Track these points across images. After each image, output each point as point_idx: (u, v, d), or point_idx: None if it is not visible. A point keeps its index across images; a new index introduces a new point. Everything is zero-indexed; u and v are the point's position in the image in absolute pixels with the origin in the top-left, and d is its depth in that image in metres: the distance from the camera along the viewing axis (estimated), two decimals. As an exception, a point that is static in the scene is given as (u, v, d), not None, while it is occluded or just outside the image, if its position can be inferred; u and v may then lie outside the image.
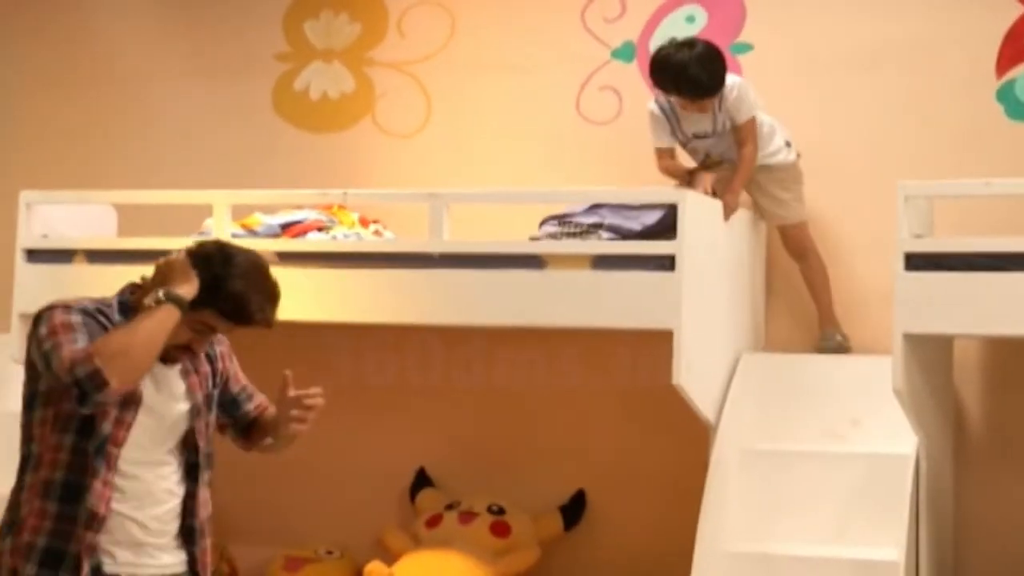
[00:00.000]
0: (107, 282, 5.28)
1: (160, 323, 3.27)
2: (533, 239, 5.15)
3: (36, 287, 5.41)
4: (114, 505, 3.31)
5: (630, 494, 5.64)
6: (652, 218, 5.01)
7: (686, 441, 5.21)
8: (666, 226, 4.89)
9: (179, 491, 3.46)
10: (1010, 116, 5.40)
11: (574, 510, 5.72)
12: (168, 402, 3.43)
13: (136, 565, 3.37)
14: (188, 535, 3.46)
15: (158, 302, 3.29)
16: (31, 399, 3.36)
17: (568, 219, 5.14)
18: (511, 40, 6.05)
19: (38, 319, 3.33)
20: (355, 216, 5.58)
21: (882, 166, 5.39)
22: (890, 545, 4.63)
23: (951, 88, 5.46)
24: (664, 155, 5.39)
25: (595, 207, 5.13)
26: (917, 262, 4.58)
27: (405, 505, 5.86)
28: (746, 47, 5.69)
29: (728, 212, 5.15)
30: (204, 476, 3.52)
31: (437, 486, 5.82)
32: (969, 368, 5.36)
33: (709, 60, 5.14)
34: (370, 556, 5.35)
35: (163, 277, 3.36)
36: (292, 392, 3.50)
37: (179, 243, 5.24)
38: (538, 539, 5.60)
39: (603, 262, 4.87)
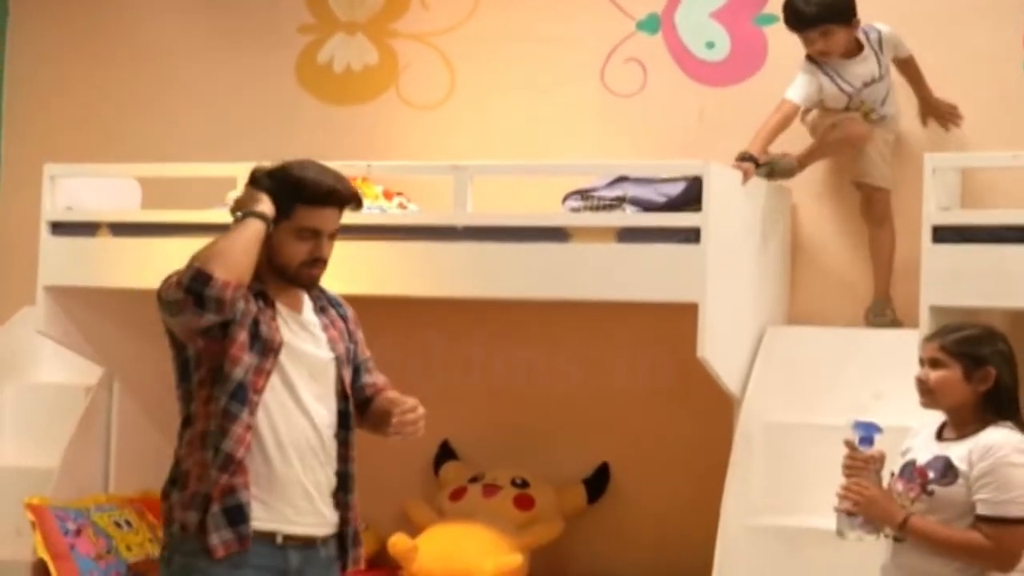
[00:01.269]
0: (131, 255, 5.35)
1: (243, 230, 3.40)
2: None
3: (61, 260, 5.44)
4: (259, 454, 3.38)
5: (654, 467, 5.64)
6: (676, 190, 4.99)
7: (710, 414, 5.20)
8: (690, 198, 4.88)
9: (333, 441, 3.52)
10: (1039, 87, 5.38)
11: (598, 483, 5.72)
12: (314, 349, 3.51)
13: (293, 523, 3.43)
14: (343, 483, 3.53)
15: (237, 221, 3.42)
16: (184, 368, 3.47)
17: (591, 194, 5.12)
18: (535, 11, 6.04)
19: (163, 283, 3.41)
20: (379, 189, 5.58)
21: (909, 138, 5.36)
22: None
23: (978, 60, 5.44)
24: (785, 108, 5.21)
25: (619, 180, 5.12)
26: (944, 235, 4.58)
27: (429, 478, 5.87)
28: (772, 18, 5.67)
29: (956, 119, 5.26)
30: (353, 424, 3.59)
31: (461, 459, 5.82)
32: (996, 341, 5.33)
33: None
34: (394, 528, 5.36)
35: (235, 211, 3.48)
36: (390, 394, 3.63)
37: (203, 216, 5.33)
38: (562, 512, 5.61)
39: (628, 234, 4.86)
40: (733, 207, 4.98)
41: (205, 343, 3.38)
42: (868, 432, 3.78)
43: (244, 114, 6.35)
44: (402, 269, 4.99)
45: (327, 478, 3.50)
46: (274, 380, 3.40)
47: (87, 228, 5.44)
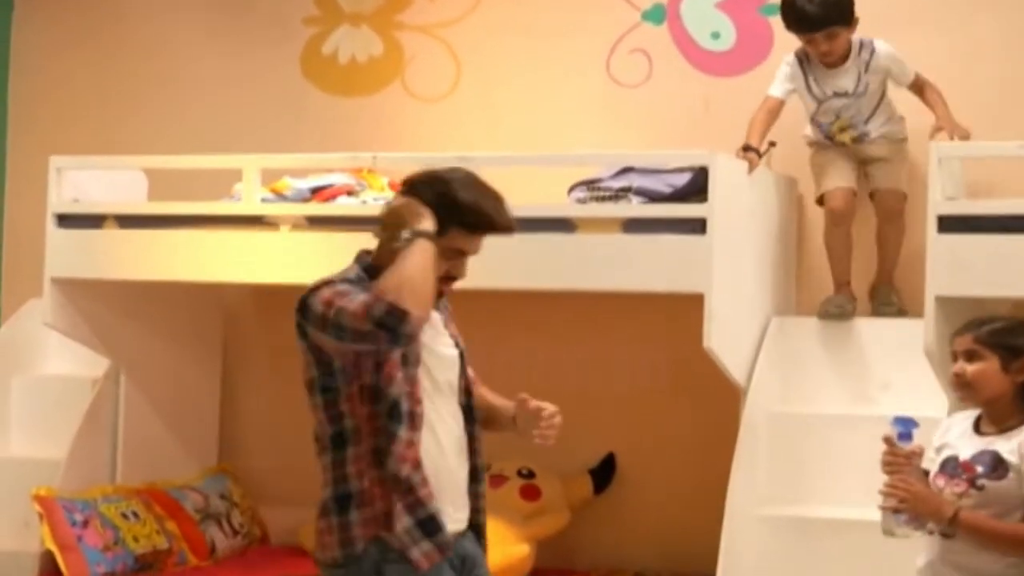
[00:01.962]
0: (138, 247, 5.37)
1: (422, 255, 3.29)
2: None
3: (67, 252, 5.45)
4: (428, 461, 3.34)
5: (660, 458, 5.65)
6: (682, 180, 4.99)
7: (716, 405, 5.20)
8: (696, 188, 4.88)
9: (464, 435, 3.51)
10: (1046, 75, 5.38)
11: (604, 473, 5.73)
12: (444, 348, 3.49)
13: (456, 520, 3.44)
14: (474, 475, 3.53)
15: (407, 241, 3.30)
16: (327, 381, 3.34)
17: (597, 184, 5.12)
18: (540, 2, 6.04)
19: (306, 306, 3.32)
20: (385, 180, 5.59)
21: (914, 127, 5.35)
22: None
23: (986, 50, 5.44)
24: (768, 103, 5.26)
25: (624, 171, 5.12)
26: (950, 224, 4.56)
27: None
28: (777, 8, 5.64)
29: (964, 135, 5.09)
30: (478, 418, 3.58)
31: (467, 449, 5.82)
32: (1001, 331, 5.33)
33: None
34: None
35: (397, 224, 3.35)
36: (532, 404, 3.60)
37: (209, 208, 5.33)
38: (568, 502, 5.62)
39: (634, 225, 4.87)
40: (739, 198, 4.98)
41: (357, 359, 3.30)
42: (907, 427, 3.71)
43: (249, 106, 6.35)
44: (408, 260, 4.99)
45: (466, 472, 3.50)
46: (424, 384, 3.38)
47: (93, 220, 5.45)
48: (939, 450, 3.75)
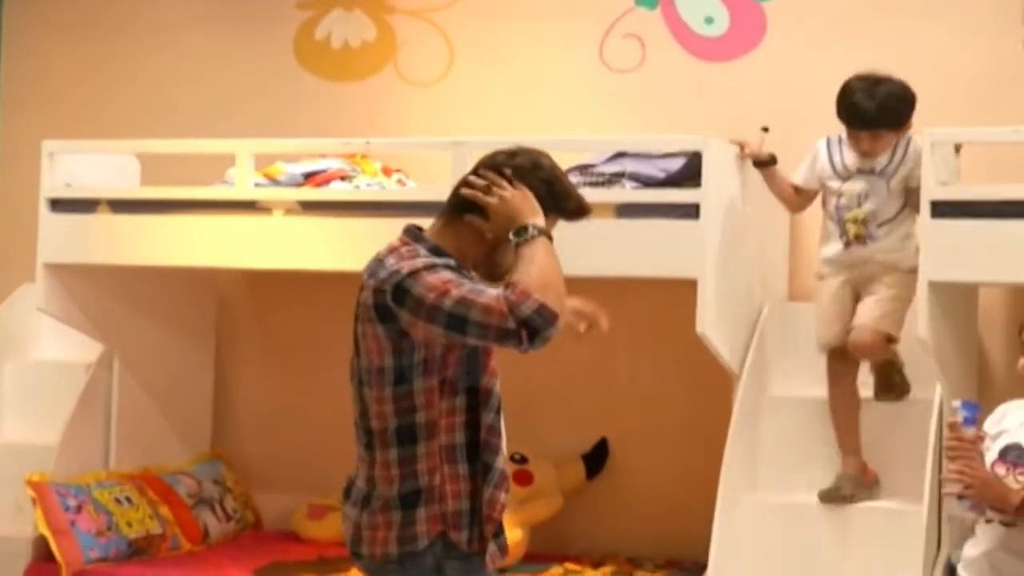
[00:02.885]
0: (131, 231, 5.36)
1: (553, 256, 3.15)
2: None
3: (60, 237, 5.44)
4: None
5: (653, 443, 5.65)
6: (675, 165, 4.99)
7: (709, 390, 5.21)
8: (689, 174, 4.87)
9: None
10: (1037, 64, 5.38)
11: (597, 459, 5.73)
12: None
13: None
14: None
15: (532, 238, 3.13)
16: (404, 371, 3.13)
17: (590, 169, 5.12)
18: (534, -14, 6.03)
19: (403, 289, 3.07)
20: (378, 165, 5.58)
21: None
22: (913, 493, 4.67)
23: (978, 37, 5.44)
24: (787, 190, 4.98)
25: (618, 155, 5.11)
26: (943, 210, 4.56)
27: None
28: (771, -6, 5.69)
29: None
30: None
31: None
32: (993, 316, 5.35)
33: (886, 95, 4.73)
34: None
35: (513, 213, 3.17)
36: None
37: (203, 193, 5.32)
38: (561, 488, 5.62)
39: (627, 210, 4.86)
40: (733, 183, 4.97)
41: (445, 352, 3.13)
42: (972, 412, 3.69)
43: (242, 91, 6.35)
44: (401, 246, 4.98)
45: None
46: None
47: (86, 205, 5.45)
48: (996, 438, 3.73)
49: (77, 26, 6.65)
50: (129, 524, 5.45)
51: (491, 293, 3.04)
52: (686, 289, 4.72)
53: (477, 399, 3.20)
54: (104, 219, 5.41)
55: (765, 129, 5.32)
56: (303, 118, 6.17)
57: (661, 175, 4.99)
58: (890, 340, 4.78)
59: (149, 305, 5.91)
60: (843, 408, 4.87)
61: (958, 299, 4.92)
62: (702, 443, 5.14)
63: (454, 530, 3.16)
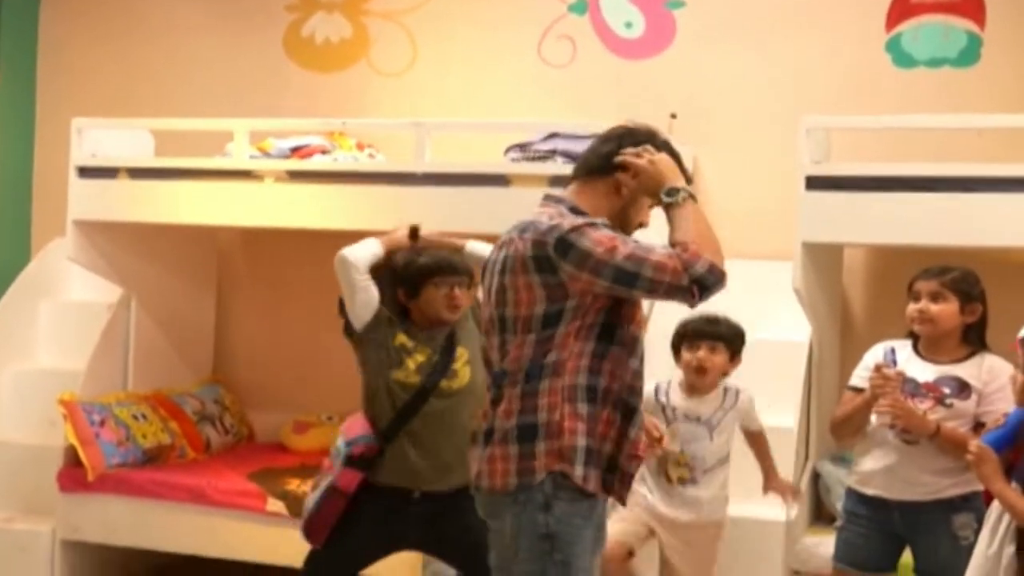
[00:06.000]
0: (146, 195, 5.37)
1: (703, 216, 2.93)
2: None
3: (86, 198, 5.42)
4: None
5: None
6: (599, 145, 5.01)
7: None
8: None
9: None
10: (896, 64, 5.40)
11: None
12: None
13: None
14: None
15: (684, 200, 2.93)
16: (552, 316, 2.88)
17: (528, 147, 5.14)
18: (485, -4, 6.05)
19: (568, 243, 2.84)
20: (352, 142, 5.59)
21: (790, 104, 5.41)
22: (788, 414, 4.73)
23: (848, 40, 5.47)
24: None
25: (552, 136, 5.14)
26: (816, 183, 4.57)
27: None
28: (679, 3, 5.70)
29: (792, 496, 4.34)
30: None
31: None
32: (856, 271, 5.41)
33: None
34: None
35: (661, 177, 2.98)
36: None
37: (206, 163, 5.33)
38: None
39: (558, 181, 4.82)
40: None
41: (595, 299, 2.88)
42: (892, 356, 3.77)
43: (240, 78, 6.33)
44: (371, 208, 4.99)
45: None
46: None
47: (109, 172, 5.40)
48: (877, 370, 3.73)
49: (103, 23, 6.60)
50: (144, 436, 5.47)
51: (661, 251, 2.83)
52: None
53: (609, 346, 2.92)
54: (124, 184, 5.38)
55: (673, 116, 5.38)
56: (290, 102, 6.16)
57: (587, 153, 5.01)
58: None
59: (161, 256, 5.91)
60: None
61: (826, 257, 4.97)
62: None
63: (569, 464, 2.87)
